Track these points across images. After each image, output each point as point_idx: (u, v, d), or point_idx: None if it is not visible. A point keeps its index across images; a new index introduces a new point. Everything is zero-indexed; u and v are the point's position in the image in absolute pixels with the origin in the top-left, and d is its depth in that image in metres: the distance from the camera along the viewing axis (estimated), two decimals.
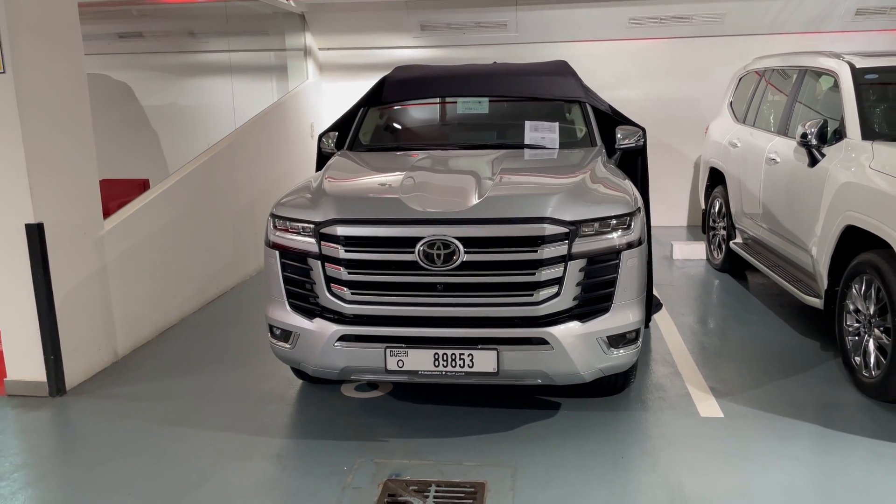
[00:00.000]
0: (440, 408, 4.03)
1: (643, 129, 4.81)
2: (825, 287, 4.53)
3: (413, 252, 3.41)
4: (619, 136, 4.79)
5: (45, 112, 4.24)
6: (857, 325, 4.22)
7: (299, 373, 4.27)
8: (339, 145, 4.99)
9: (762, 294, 6.05)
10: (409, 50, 8.91)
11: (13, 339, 4.32)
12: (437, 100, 5.34)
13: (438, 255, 3.39)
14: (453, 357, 3.41)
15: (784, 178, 5.23)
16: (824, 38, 8.17)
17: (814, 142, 4.65)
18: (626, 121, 4.96)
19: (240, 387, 4.41)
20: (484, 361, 3.40)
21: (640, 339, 3.66)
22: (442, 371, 3.43)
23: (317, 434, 3.79)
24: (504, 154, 4.40)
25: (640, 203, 3.77)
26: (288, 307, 3.67)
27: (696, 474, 3.32)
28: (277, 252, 3.70)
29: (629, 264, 3.51)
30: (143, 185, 6.80)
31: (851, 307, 4.24)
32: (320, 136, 5.06)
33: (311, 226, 3.58)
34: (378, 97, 5.12)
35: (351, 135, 5.01)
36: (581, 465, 3.41)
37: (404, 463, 3.45)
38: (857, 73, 4.79)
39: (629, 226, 3.53)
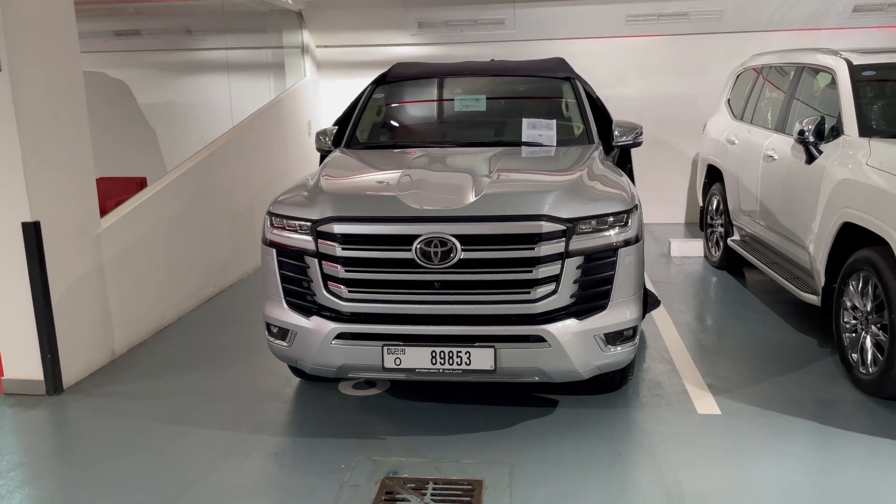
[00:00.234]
0: (438, 405, 4.03)
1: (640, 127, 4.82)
2: (822, 284, 4.53)
3: (410, 250, 3.40)
4: (616, 132, 4.79)
5: (42, 110, 4.23)
6: (854, 321, 4.22)
7: (297, 371, 4.27)
8: (337, 143, 4.99)
9: (760, 291, 6.06)
10: (406, 47, 8.90)
11: (10, 337, 4.31)
12: (435, 97, 5.34)
13: (435, 253, 3.39)
14: (450, 355, 3.41)
15: (781, 175, 5.23)
16: (822, 35, 8.16)
17: (811, 139, 4.65)
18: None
19: (237, 385, 4.41)
20: (481, 359, 3.40)
21: (638, 337, 3.66)
22: (439, 369, 3.43)
23: (314, 432, 3.78)
24: (501, 151, 4.39)
25: (638, 200, 3.77)
26: (285, 305, 3.67)
27: (693, 471, 3.32)
28: (274, 250, 3.69)
29: (626, 261, 3.51)
30: (140, 184, 6.78)
31: (848, 304, 4.25)
32: (318, 135, 5.06)
33: (308, 224, 3.58)
34: (382, 81, 5.20)
35: (348, 132, 5.01)
36: (578, 462, 3.42)
37: (402, 461, 3.45)
38: (855, 70, 4.79)
39: (626, 223, 3.53)
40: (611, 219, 3.50)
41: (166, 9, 8.83)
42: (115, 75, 9.20)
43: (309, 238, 3.56)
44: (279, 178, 7.60)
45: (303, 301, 3.62)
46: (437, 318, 3.45)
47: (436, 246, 3.39)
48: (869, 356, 4.06)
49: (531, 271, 3.39)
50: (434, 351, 3.41)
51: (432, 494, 3.16)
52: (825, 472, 3.34)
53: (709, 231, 7.07)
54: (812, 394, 4.10)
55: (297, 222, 3.62)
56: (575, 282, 3.42)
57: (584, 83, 5.19)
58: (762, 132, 5.82)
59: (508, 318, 3.42)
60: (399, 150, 4.74)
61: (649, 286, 6.15)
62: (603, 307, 3.49)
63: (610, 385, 4.12)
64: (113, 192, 6.08)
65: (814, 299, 4.68)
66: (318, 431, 3.79)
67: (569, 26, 8.44)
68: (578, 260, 3.42)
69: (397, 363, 3.44)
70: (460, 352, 3.40)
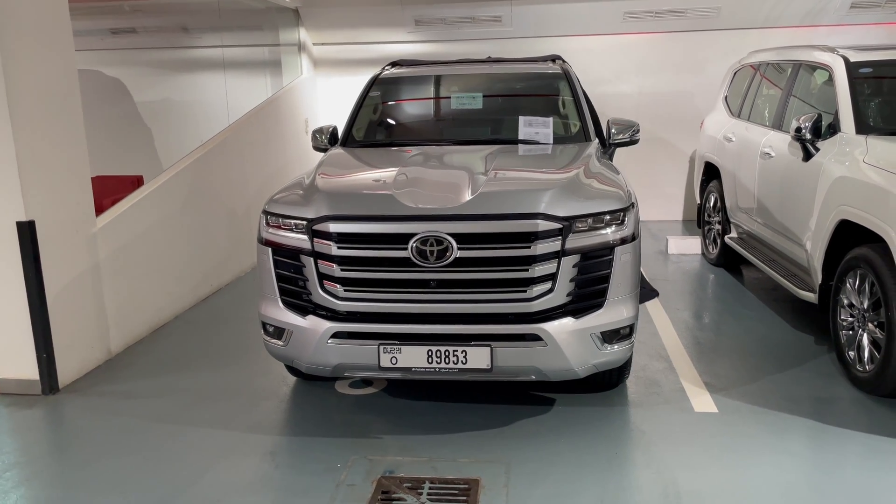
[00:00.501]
0: (434, 404, 4.02)
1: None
2: (819, 281, 4.53)
3: (406, 248, 3.39)
4: (613, 130, 4.78)
5: (36, 108, 4.21)
6: (851, 319, 4.22)
7: (293, 370, 4.26)
8: (333, 141, 4.98)
9: (757, 289, 6.06)
10: (403, 45, 8.88)
11: (5, 336, 4.29)
12: (431, 95, 5.33)
13: (431, 252, 3.38)
14: (447, 353, 3.40)
15: (778, 172, 5.23)
16: (819, 32, 8.16)
17: (808, 136, 4.64)
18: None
19: (234, 384, 4.40)
20: (477, 358, 3.39)
21: (635, 335, 3.65)
22: (435, 368, 3.42)
23: (310, 431, 3.78)
24: (498, 150, 4.38)
25: (634, 198, 3.76)
26: (281, 304, 3.66)
27: (690, 470, 3.32)
28: (270, 249, 3.68)
29: (623, 260, 3.50)
30: (136, 182, 6.77)
31: (845, 302, 4.24)
32: (314, 133, 5.05)
33: (304, 222, 3.57)
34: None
35: (344, 131, 5.00)
36: (575, 461, 3.41)
37: (398, 460, 3.44)
38: (852, 67, 4.79)
39: (623, 221, 3.52)
40: (607, 217, 3.49)
41: (162, 6, 8.80)
42: (111, 73, 9.17)
43: (304, 237, 3.55)
44: (276, 176, 7.58)
45: (299, 300, 3.61)
46: (434, 316, 3.44)
47: (432, 244, 3.37)
48: (866, 354, 4.05)
49: (527, 270, 3.38)
50: (430, 350, 3.40)
51: (428, 494, 3.15)
52: (822, 470, 3.33)
53: (706, 228, 7.07)
54: (809, 392, 4.10)
55: (292, 221, 3.61)
56: (571, 280, 3.41)
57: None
58: (759, 129, 5.81)
59: (505, 316, 3.42)
60: (395, 148, 4.73)
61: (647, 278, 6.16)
62: (599, 305, 3.48)
63: (607, 383, 4.11)
64: (109, 190, 6.06)
65: (811, 297, 4.67)
66: (315, 430, 3.78)
67: (566, 23, 8.43)
68: (575, 258, 3.41)
69: (393, 362, 3.43)
70: (456, 350, 3.39)
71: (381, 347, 3.43)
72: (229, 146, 6.70)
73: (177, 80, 9.17)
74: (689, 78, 8.58)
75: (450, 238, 3.37)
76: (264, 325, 3.77)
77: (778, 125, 5.49)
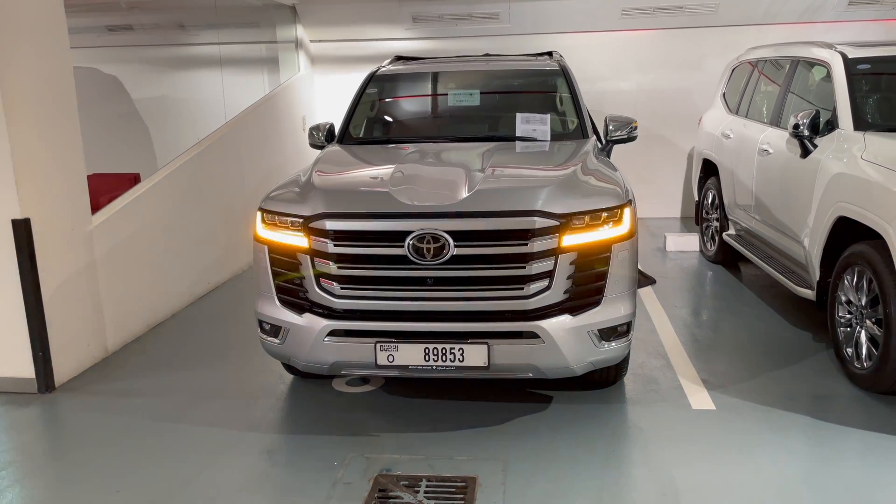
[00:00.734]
0: (431, 402, 4.01)
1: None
2: (817, 278, 4.52)
3: (403, 246, 3.38)
4: (610, 127, 4.77)
5: (31, 106, 4.19)
6: (849, 316, 4.21)
7: (290, 368, 4.25)
8: (330, 138, 4.96)
9: (755, 286, 6.05)
10: (401, 42, 8.85)
11: (1, 335, 4.28)
12: (428, 92, 5.32)
13: (428, 249, 3.36)
14: (444, 351, 3.39)
15: (776, 169, 5.22)
16: (817, 29, 8.14)
17: (806, 133, 4.63)
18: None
19: (230, 382, 4.39)
20: (475, 355, 3.38)
21: (632, 332, 3.64)
22: (433, 365, 3.41)
23: (307, 429, 3.77)
24: (495, 147, 4.37)
25: (632, 195, 3.75)
26: (277, 302, 3.65)
27: (687, 467, 3.31)
28: (266, 247, 3.67)
29: (620, 257, 3.49)
30: (133, 180, 6.75)
31: (843, 298, 4.24)
32: (311, 130, 5.03)
33: (300, 220, 3.55)
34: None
35: (341, 128, 4.99)
36: (572, 458, 3.40)
37: (395, 458, 3.43)
38: (850, 64, 4.77)
39: (620, 218, 3.51)
40: (604, 214, 3.47)
41: (159, 3, 8.77)
42: (107, 70, 9.14)
43: (301, 234, 3.54)
44: (273, 173, 7.56)
45: (295, 298, 3.60)
46: (430, 314, 3.43)
47: (428, 242, 3.36)
48: (864, 350, 4.05)
49: (524, 267, 3.37)
50: (427, 348, 3.39)
51: (426, 492, 3.14)
52: (820, 467, 3.33)
53: (704, 225, 7.06)
54: (807, 388, 4.09)
55: (288, 218, 3.60)
56: (568, 277, 3.40)
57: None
58: (757, 126, 5.80)
59: (502, 314, 3.40)
60: (392, 145, 4.71)
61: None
62: (597, 303, 3.47)
63: (604, 381, 4.11)
64: (106, 188, 6.05)
65: (809, 294, 4.67)
66: (312, 428, 3.77)
67: (564, 20, 8.41)
68: (572, 255, 3.40)
69: (390, 360, 3.42)
70: (453, 348, 3.38)
71: (378, 345, 3.41)
72: (226, 143, 6.68)
73: (173, 77, 9.15)
74: (688, 75, 8.57)
75: (446, 235, 3.36)
76: (261, 323, 3.75)
77: (776, 122, 5.48)
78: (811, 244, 4.57)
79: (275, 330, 3.67)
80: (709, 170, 6.90)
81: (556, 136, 4.68)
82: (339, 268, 3.47)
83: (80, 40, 7.83)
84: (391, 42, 8.85)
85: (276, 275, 3.65)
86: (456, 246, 3.36)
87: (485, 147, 4.32)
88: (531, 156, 4.39)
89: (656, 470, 3.30)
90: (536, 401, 4.00)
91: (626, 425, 3.72)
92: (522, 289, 3.38)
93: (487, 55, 6.11)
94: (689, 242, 7.30)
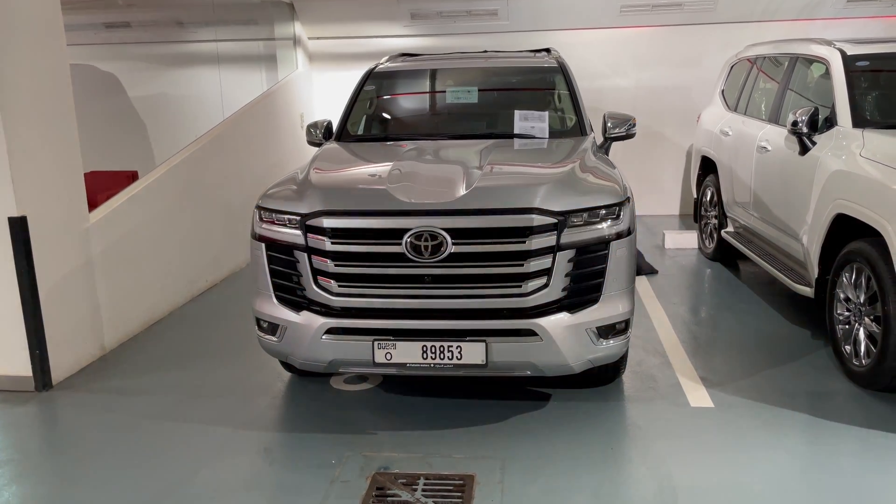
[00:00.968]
0: (429, 400, 4.01)
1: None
2: (816, 276, 4.52)
3: (400, 244, 3.37)
4: (609, 124, 4.76)
5: (28, 103, 4.18)
6: (847, 313, 4.21)
7: (288, 366, 4.24)
8: (328, 135, 4.95)
9: (753, 283, 6.05)
10: (399, 39, 8.84)
11: None
12: (426, 89, 5.31)
13: (426, 247, 3.35)
14: (442, 349, 3.38)
15: (775, 166, 5.21)
16: (816, 26, 8.13)
17: (805, 130, 4.62)
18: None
19: (228, 380, 4.38)
20: (473, 353, 3.37)
21: (630, 330, 3.64)
22: (430, 363, 3.40)
23: (305, 427, 3.76)
24: (493, 144, 4.36)
25: (630, 192, 3.74)
26: (275, 300, 3.64)
27: (685, 465, 3.31)
28: (264, 244, 3.66)
29: (618, 254, 3.48)
30: (131, 177, 6.73)
31: (842, 296, 4.23)
32: (308, 127, 5.02)
33: (298, 218, 3.54)
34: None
35: (339, 125, 4.97)
36: (570, 456, 3.40)
37: (393, 456, 3.43)
38: (849, 61, 4.76)
39: (618, 216, 3.50)
40: (603, 211, 3.47)
41: (156, 1, 8.74)
42: (104, 68, 9.12)
43: (298, 232, 3.53)
44: (271, 171, 7.54)
45: (293, 296, 3.59)
46: (428, 312, 3.42)
47: (426, 240, 3.35)
48: (862, 348, 4.04)
49: (522, 265, 3.36)
50: (425, 345, 3.39)
51: (423, 490, 3.14)
52: (818, 465, 3.32)
53: (703, 223, 7.05)
54: (805, 386, 4.09)
55: (286, 216, 3.59)
56: (567, 275, 3.40)
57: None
58: (756, 123, 5.79)
59: (500, 312, 3.40)
60: (390, 142, 4.70)
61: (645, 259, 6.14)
62: (595, 300, 3.46)
63: (602, 378, 4.10)
64: (103, 185, 6.02)
65: (807, 291, 4.66)
66: (309, 427, 3.76)
67: (562, 17, 8.39)
68: (570, 253, 3.39)
69: (388, 358, 3.42)
70: (451, 346, 3.37)
71: (376, 343, 3.41)
72: (224, 141, 6.66)
73: (171, 74, 9.12)
74: (686, 72, 8.56)
75: (444, 233, 3.35)
76: (258, 320, 3.74)
77: (775, 119, 5.47)
78: (810, 241, 4.57)
79: (272, 328, 3.66)
80: (707, 167, 6.89)
81: (554, 134, 4.67)
82: (337, 265, 3.46)
83: (76, 37, 7.81)
84: (389, 39, 8.83)
85: (273, 273, 3.64)
86: (454, 243, 3.35)
87: (483, 144, 4.31)
88: (529, 153, 4.38)
89: (654, 468, 3.30)
90: (534, 399, 4.00)
91: (624, 423, 3.72)
92: (520, 286, 3.38)
93: (486, 52, 6.10)
94: (688, 240, 7.29)
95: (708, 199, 6.87)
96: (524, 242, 3.35)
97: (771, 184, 5.28)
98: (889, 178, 3.78)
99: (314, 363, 3.57)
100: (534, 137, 4.62)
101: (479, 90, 5.16)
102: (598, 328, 3.46)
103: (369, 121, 5.14)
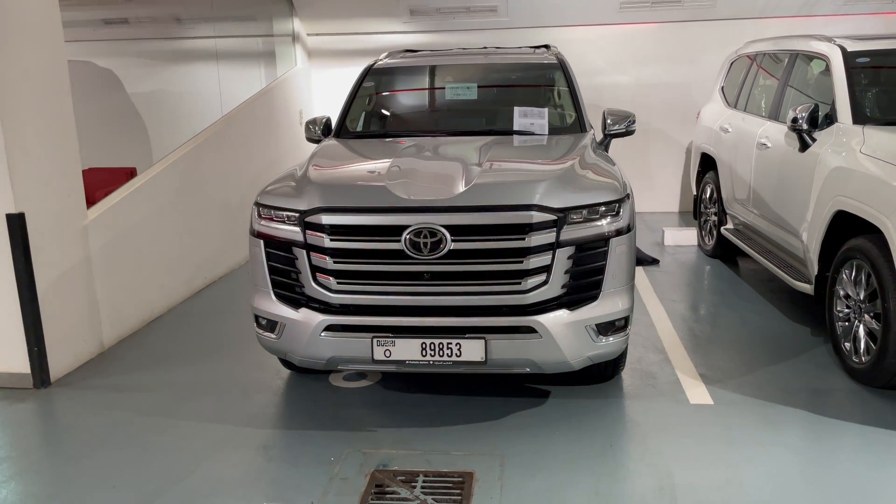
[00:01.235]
0: (428, 397, 4.00)
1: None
2: (816, 272, 4.51)
3: (399, 240, 3.36)
4: (608, 121, 4.75)
5: (25, 100, 4.16)
6: (847, 310, 4.20)
7: (286, 363, 4.23)
8: (327, 132, 4.94)
9: (753, 280, 6.04)
10: (398, 35, 8.82)
11: None
12: (425, 86, 5.29)
13: (425, 244, 3.35)
14: (441, 346, 3.37)
15: (775, 163, 5.20)
16: (816, 22, 8.12)
17: (805, 126, 4.61)
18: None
19: (227, 377, 4.37)
20: (472, 350, 3.36)
21: (630, 327, 3.63)
22: (429, 360, 3.39)
23: (304, 424, 3.76)
24: (492, 140, 4.35)
25: (630, 189, 3.73)
26: (273, 297, 3.63)
27: (685, 462, 3.31)
28: (262, 241, 3.65)
29: (618, 251, 3.47)
30: (129, 174, 6.72)
31: (842, 293, 4.23)
32: (307, 124, 5.01)
33: (296, 214, 3.53)
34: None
35: (337, 122, 4.96)
36: (570, 453, 3.40)
37: (392, 453, 3.42)
38: (849, 57, 4.75)
39: (618, 212, 3.49)
40: (602, 208, 3.46)
41: None
42: (102, 64, 9.10)
43: (297, 229, 3.52)
44: (269, 167, 7.53)
45: (291, 293, 3.58)
46: (427, 309, 3.42)
47: (425, 236, 3.34)
48: (862, 345, 4.04)
49: (522, 262, 3.35)
50: (424, 343, 3.38)
51: (422, 487, 3.13)
52: (817, 462, 3.32)
53: (702, 220, 7.04)
54: (805, 383, 4.08)
55: (284, 213, 3.58)
56: (566, 272, 3.39)
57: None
58: (756, 120, 5.78)
59: (499, 309, 3.39)
60: (389, 139, 4.69)
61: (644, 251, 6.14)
62: (594, 297, 3.45)
63: (602, 375, 4.10)
64: (101, 182, 6.02)
65: (807, 288, 4.66)
66: (308, 424, 3.76)
67: (562, 13, 8.38)
68: (569, 250, 3.38)
69: (387, 355, 3.41)
70: (450, 343, 3.36)
71: (375, 340, 3.40)
72: (222, 137, 6.65)
73: (169, 70, 9.10)
74: (686, 68, 8.54)
75: (443, 230, 3.34)
76: (257, 318, 3.73)
77: (774, 115, 5.46)
78: (809, 238, 4.56)
79: (271, 325, 3.65)
80: (707, 164, 6.88)
81: (553, 130, 4.66)
82: (336, 262, 3.45)
83: (75, 34, 7.78)
84: (389, 35, 8.81)
85: (272, 269, 3.63)
86: (453, 240, 3.34)
87: (482, 141, 4.30)
88: (529, 150, 4.37)
89: (654, 464, 3.29)
90: (534, 396, 3.99)
91: (623, 420, 3.72)
92: (520, 283, 3.37)
93: (485, 48, 6.08)
94: (687, 237, 7.29)
95: (707, 195, 6.86)
96: (524, 239, 3.34)
97: (771, 181, 5.27)
98: (889, 175, 3.77)
99: (313, 360, 3.56)
100: (533, 134, 4.61)
101: (479, 87, 5.15)
102: (597, 325, 3.45)
103: (368, 117, 5.13)
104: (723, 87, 6.87)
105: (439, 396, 4.00)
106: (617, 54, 8.62)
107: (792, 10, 8.11)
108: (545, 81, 5.20)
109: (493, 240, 3.36)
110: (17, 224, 4.08)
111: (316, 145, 4.73)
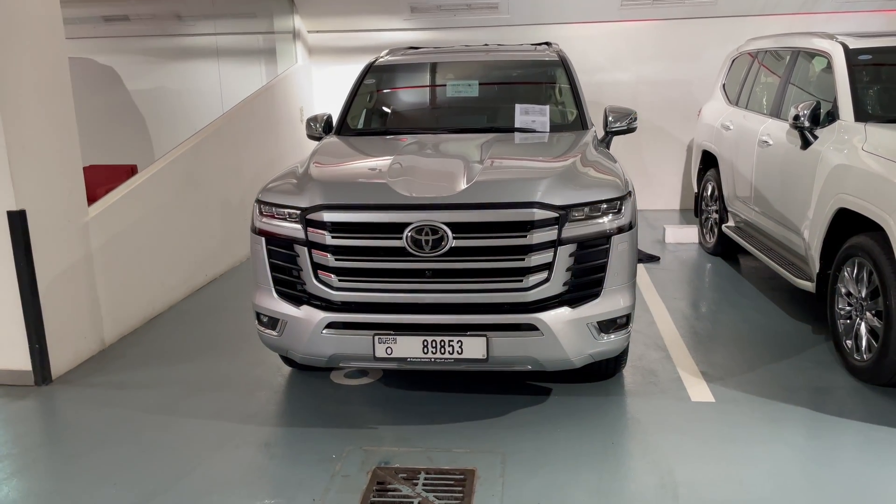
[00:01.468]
0: (430, 394, 4.00)
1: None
2: (817, 270, 4.51)
3: (401, 238, 3.36)
4: (610, 118, 4.74)
5: (26, 97, 4.16)
6: (848, 308, 4.20)
7: (288, 360, 4.24)
8: (328, 129, 4.94)
9: (754, 278, 6.04)
10: (399, 32, 8.81)
11: None
12: (426, 83, 5.29)
13: (427, 241, 3.34)
14: (442, 344, 3.37)
15: (776, 160, 5.19)
16: (818, 19, 8.11)
17: (806, 124, 4.61)
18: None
19: (228, 375, 4.37)
20: (473, 348, 3.36)
21: (631, 324, 3.63)
22: (431, 358, 3.39)
23: (305, 422, 3.75)
24: (494, 138, 4.34)
25: (632, 187, 3.73)
26: (275, 294, 3.62)
27: (686, 459, 3.31)
28: (264, 238, 3.64)
29: (619, 249, 3.47)
30: (130, 171, 6.71)
31: (843, 290, 4.22)
32: (308, 121, 5.00)
33: (298, 212, 3.53)
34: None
35: (338, 119, 4.96)
36: (571, 450, 3.40)
37: (393, 450, 3.42)
38: (851, 54, 4.74)
39: (620, 210, 3.49)
40: (604, 206, 3.45)
41: None
42: (103, 61, 9.09)
43: (298, 226, 3.51)
44: (270, 165, 7.53)
45: (293, 290, 3.58)
46: (429, 306, 3.41)
47: (427, 234, 3.34)
48: (863, 343, 4.04)
49: (523, 259, 3.35)
50: (426, 340, 3.37)
51: (424, 484, 3.13)
52: (819, 460, 3.32)
53: (703, 217, 7.04)
54: (806, 381, 4.08)
55: (286, 210, 3.57)
56: (568, 269, 3.38)
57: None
58: (757, 117, 5.77)
59: (500, 306, 3.39)
60: (390, 136, 4.68)
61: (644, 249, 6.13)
62: (596, 295, 3.45)
63: (603, 373, 4.09)
64: (102, 179, 6.00)
65: (808, 286, 4.65)
66: (309, 421, 3.76)
67: (563, 10, 8.37)
68: (571, 247, 3.38)
69: (389, 352, 3.41)
70: (452, 341, 3.36)
71: (377, 338, 3.40)
72: (223, 135, 6.64)
73: (170, 68, 9.09)
74: (687, 66, 8.53)
75: (445, 227, 3.33)
76: (258, 315, 3.73)
77: (776, 113, 5.45)
78: (811, 236, 4.55)
79: (272, 322, 3.65)
80: (708, 161, 6.87)
81: (555, 128, 4.65)
82: (337, 260, 3.45)
83: (75, 31, 7.77)
84: (389, 33, 8.80)
85: (273, 267, 3.62)
86: (454, 238, 3.34)
87: (484, 138, 4.30)
88: (530, 147, 4.37)
89: (655, 462, 3.29)
90: (535, 393, 3.99)
91: (625, 418, 3.72)
92: (521, 281, 3.36)
93: (486, 45, 6.08)
94: (689, 234, 7.28)
95: (709, 193, 6.86)
96: (525, 237, 3.34)
97: (772, 178, 5.27)
98: (891, 173, 3.77)
99: (314, 358, 3.56)
100: (535, 131, 4.60)
101: (480, 84, 5.14)
102: (598, 323, 3.45)
103: (369, 114, 5.13)
104: (724, 85, 6.87)
105: (441, 394, 4.00)
106: (618, 52, 8.61)
107: (793, 7, 8.10)
108: (547, 79, 5.20)
109: (495, 237, 3.36)
110: (18, 221, 4.08)
111: (317, 143, 4.73)
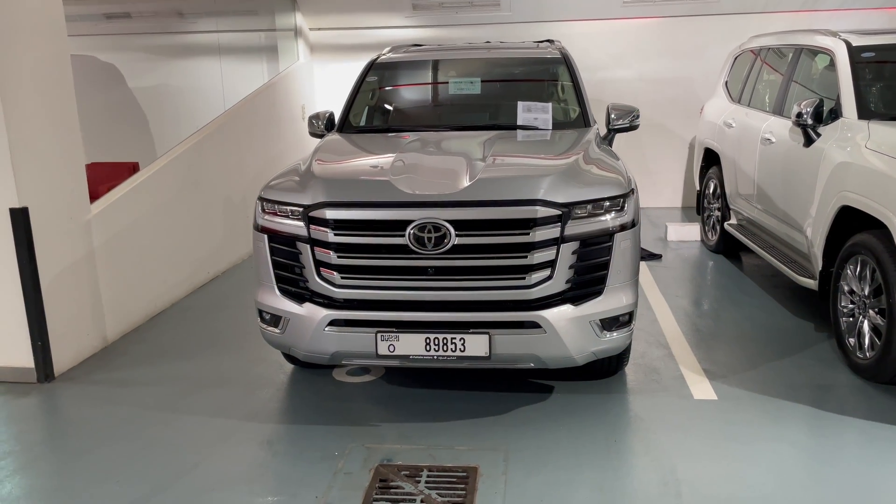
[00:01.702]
0: (432, 392, 4.00)
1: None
2: (820, 268, 4.50)
3: (403, 235, 3.36)
4: (612, 115, 4.74)
5: (29, 95, 4.16)
6: (851, 306, 4.20)
7: (290, 357, 4.24)
8: (330, 127, 4.93)
9: (757, 275, 6.03)
10: (401, 30, 8.80)
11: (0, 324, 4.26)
12: (429, 80, 5.28)
13: (429, 239, 3.34)
14: (445, 341, 3.37)
15: (779, 158, 5.19)
16: (820, 17, 8.09)
17: (809, 121, 4.60)
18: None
19: (230, 372, 4.37)
20: (476, 345, 3.36)
21: (634, 322, 3.63)
22: (434, 355, 3.39)
23: (308, 419, 3.76)
24: (496, 135, 4.34)
25: (634, 184, 3.72)
26: (277, 292, 3.63)
27: (688, 457, 3.31)
28: (266, 236, 3.65)
29: (622, 246, 3.46)
30: (132, 169, 6.72)
31: (846, 288, 4.22)
32: (310, 118, 5.00)
33: (300, 209, 3.53)
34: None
35: (340, 116, 4.95)
36: (573, 448, 3.40)
37: (396, 448, 3.42)
38: (854, 52, 4.73)
39: (622, 207, 3.49)
40: (607, 203, 3.45)
41: None
42: (105, 59, 9.09)
43: (301, 224, 3.51)
44: (272, 162, 7.53)
45: (295, 287, 3.58)
46: (431, 304, 3.42)
47: (429, 231, 3.34)
48: (866, 340, 4.03)
49: (526, 257, 3.35)
50: (428, 337, 3.38)
51: (426, 482, 3.13)
52: (821, 457, 3.32)
53: (705, 215, 7.03)
54: (809, 379, 4.08)
55: (288, 208, 3.57)
56: (570, 267, 3.38)
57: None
58: (760, 115, 5.76)
59: (503, 304, 3.39)
60: (392, 133, 4.68)
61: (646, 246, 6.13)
62: (598, 293, 3.45)
63: (606, 371, 4.09)
64: (104, 177, 6.02)
65: (811, 283, 4.65)
66: (312, 418, 3.76)
67: (565, 8, 8.36)
68: (574, 245, 3.37)
69: (391, 350, 3.41)
70: (454, 338, 3.36)
71: (379, 335, 3.40)
72: (225, 132, 6.64)
73: (172, 65, 9.09)
74: (689, 63, 8.52)
75: (448, 225, 3.33)
76: (261, 312, 3.74)
77: (779, 110, 5.44)
78: (814, 234, 4.55)
79: (275, 319, 3.65)
80: (710, 159, 6.86)
81: (557, 125, 4.65)
82: (340, 257, 3.45)
83: (77, 28, 7.77)
84: (391, 30, 8.79)
85: (276, 264, 3.63)
86: (457, 235, 3.34)
87: (486, 136, 4.29)
88: (533, 144, 4.36)
89: (657, 460, 3.29)
90: (538, 391, 3.99)
91: (627, 415, 3.72)
92: (524, 278, 3.36)
93: (488, 43, 6.07)
94: (691, 232, 7.27)
95: (711, 191, 6.85)
96: (528, 234, 3.34)
97: (775, 176, 5.26)
98: (894, 170, 3.76)
99: (317, 355, 3.56)
100: (537, 129, 4.60)
101: (482, 81, 5.14)
102: (601, 320, 3.45)
103: (371, 112, 5.12)
104: (726, 82, 6.85)
105: (443, 391, 4.00)
106: (620, 49, 8.60)
107: (796, 4, 8.08)
108: (549, 76, 5.19)
109: (498, 235, 3.36)
110: (20, 218, 4.08)
111: (319, 140, 4.72)
